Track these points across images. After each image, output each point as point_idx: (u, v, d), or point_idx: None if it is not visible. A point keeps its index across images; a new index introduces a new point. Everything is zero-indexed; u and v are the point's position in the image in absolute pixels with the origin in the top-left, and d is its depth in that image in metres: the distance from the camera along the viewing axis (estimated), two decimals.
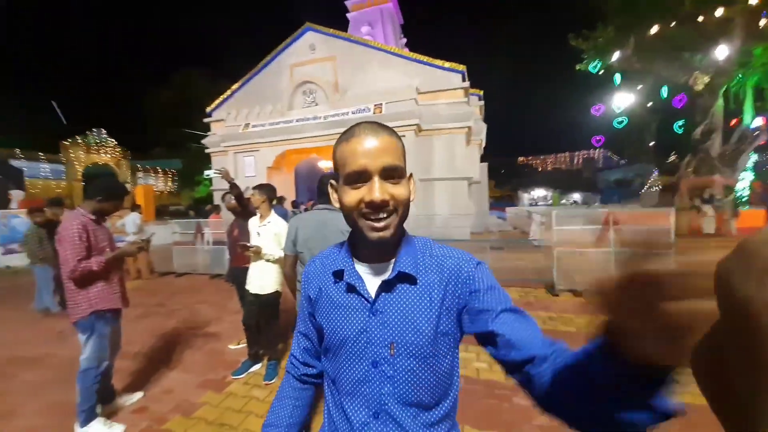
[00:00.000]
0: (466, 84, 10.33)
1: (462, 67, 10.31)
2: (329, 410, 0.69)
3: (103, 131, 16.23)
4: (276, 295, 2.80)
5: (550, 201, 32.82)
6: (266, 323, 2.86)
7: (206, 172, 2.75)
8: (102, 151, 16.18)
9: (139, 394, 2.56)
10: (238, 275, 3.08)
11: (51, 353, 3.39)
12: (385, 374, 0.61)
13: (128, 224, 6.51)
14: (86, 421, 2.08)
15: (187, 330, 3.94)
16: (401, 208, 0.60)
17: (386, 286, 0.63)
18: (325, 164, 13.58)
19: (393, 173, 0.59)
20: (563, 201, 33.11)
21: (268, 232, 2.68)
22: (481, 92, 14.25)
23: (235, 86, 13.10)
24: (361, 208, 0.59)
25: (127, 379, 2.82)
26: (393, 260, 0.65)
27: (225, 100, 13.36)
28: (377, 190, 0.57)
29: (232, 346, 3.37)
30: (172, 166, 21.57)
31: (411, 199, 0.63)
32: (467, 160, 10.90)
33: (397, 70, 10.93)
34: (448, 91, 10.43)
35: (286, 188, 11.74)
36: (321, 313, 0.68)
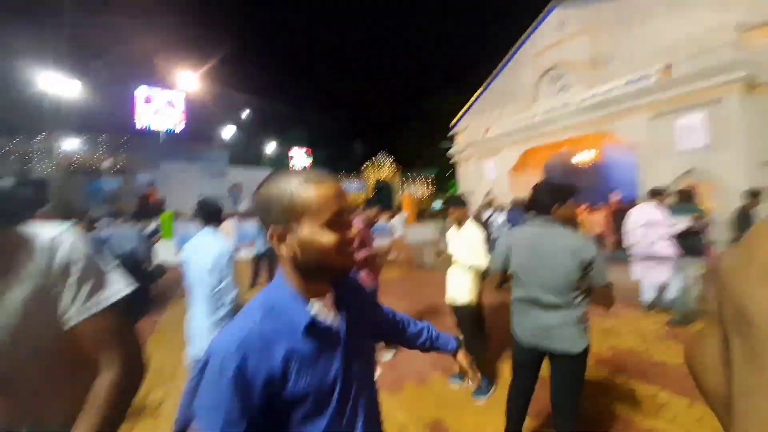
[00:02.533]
0: None
1: None
2: None
3: (383, 152, 23.39)
4: (471, 307, 2.69)
5: None
6: (470, 337, 2.75)
7: (433, 205, 3.38)
8: (384, 169, 23.03)
9: (390, 354, 3.43)
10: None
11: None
12: (366, 384, 0.77)
13: (396, 225, 8.84)
14: None
15: (432, 315, 4.70)
16: None
17: (346, 308, 0.77)
18: (580, 157, 11.76)
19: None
20: None
21: (464, 240, 2.72)
22: None
23: (476, 94, 14.16)
24: (342, 246, 0.68)
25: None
26: (331, 291, 0.77)
27: (468, 110, 14.75)
28: (355, 228, 0.71)
29: None
30: (430, 173, 26.65)
31: None
32: None
33: (695, 7, 7.66)
34: None
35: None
36: (300, 379, 0.65)
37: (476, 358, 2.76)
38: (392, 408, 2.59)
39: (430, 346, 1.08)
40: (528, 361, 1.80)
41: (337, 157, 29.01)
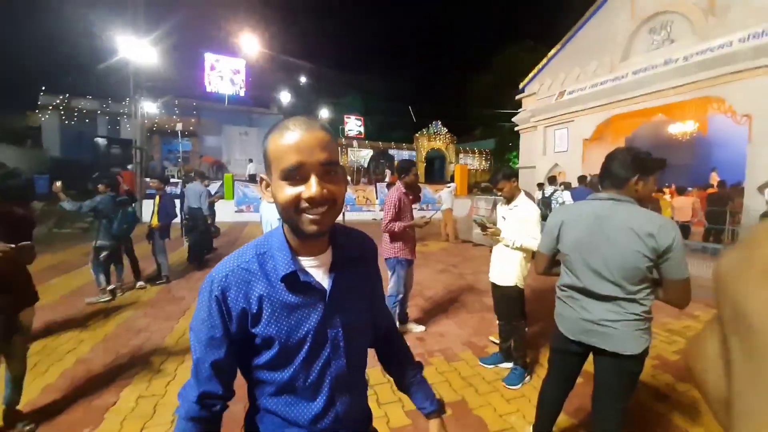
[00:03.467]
0: None
1: None
2: (265, 414, 0.73)
3: (438, 122, 22.12)
4: (515, 290, 2.48)
5: None
6: (507, 321, 2.59)
7: (474, 218, 3.17)
8: (437, 138, 21.98)
9: (421, 328, 3.41)
10: None
11: None
12: (342, 353, 0.73)
13: (444, 197, 8.51)
14: None
15: (470, 293, 4.56)
16: (339, 202, 0.67)
17: (339, 275, 0.73)
18: (680, 128, 10.00)
19: (330, 169, 0.64)
20: None
21: (514, 217, 2.46)
22: None
23: (553, 50, 12.40)
24: (299, 203, 0.63)
25: (418, 314, 3.76)
26: (329, 249, 0.74)
27: (540, 70, 13.04)
28: (316, 186, 0.62)
29: (491, 338, 3.26)
30: (486, 146, 25.02)
31: (345, 190, 0.70)
32: None
33: None
34: None
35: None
36: (272, 322, 0.67)
37: (514, 344, 2.61)
38: None
39: (406, 383, 0.91)
40: (570, 354, 1.61)
41: (390, 125, 28.55)
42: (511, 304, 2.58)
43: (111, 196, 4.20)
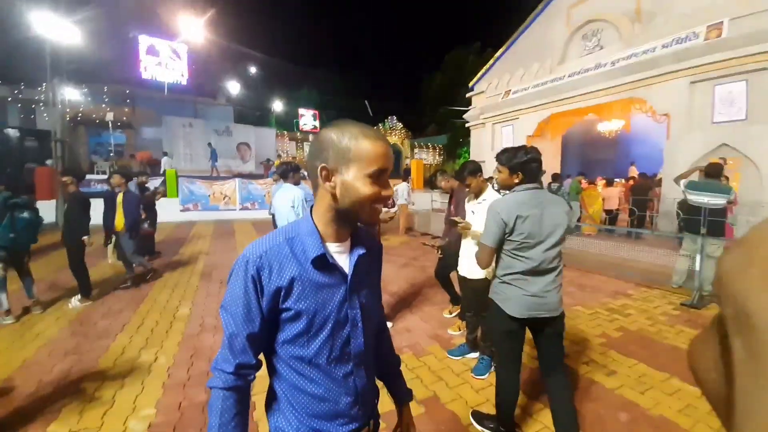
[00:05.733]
0: None
1: None
2: (292, 390, 0.78)
3: (394, 118, 22.21)
4: (484, 282, 2.49)
5: None
6: (476, 313, 2.63)
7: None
8: (393, 134, 22.07)
9: (388, 324, 3.32)
10: (446, 251, 3.31)
11: None
12: (360, 332, 0.81)
13: (399, 192, 8.48)
14: None
15: (433, 286, 4.56)
16: None
17: (357, 261, 0.80)
18: (607, 126, 10.99)
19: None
20: None
21: (482, 210, 2.43)
22: None
23: (498, 52, 12.95)
24: (376, 199, 0.75)
25: (386, 310, 3.75)
26: (350, 238, 0.83)
27: (487, 70, 13.59)
28: (391, 189, 0.79)
29: (445, 314, 3.60)
30: (439, 141, 25.66)
31: None
32: None
33: None
34: None
35: (550, 159, 10.56)
36: (302, 299, 0.74)
37: (481, 335, 2.62)
38: None
39: (386, 372, 1.02)
40: (520, 334, 1.79)
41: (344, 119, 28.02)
42: (479, 297, 2.57)
43: (3, 197, 3.49)
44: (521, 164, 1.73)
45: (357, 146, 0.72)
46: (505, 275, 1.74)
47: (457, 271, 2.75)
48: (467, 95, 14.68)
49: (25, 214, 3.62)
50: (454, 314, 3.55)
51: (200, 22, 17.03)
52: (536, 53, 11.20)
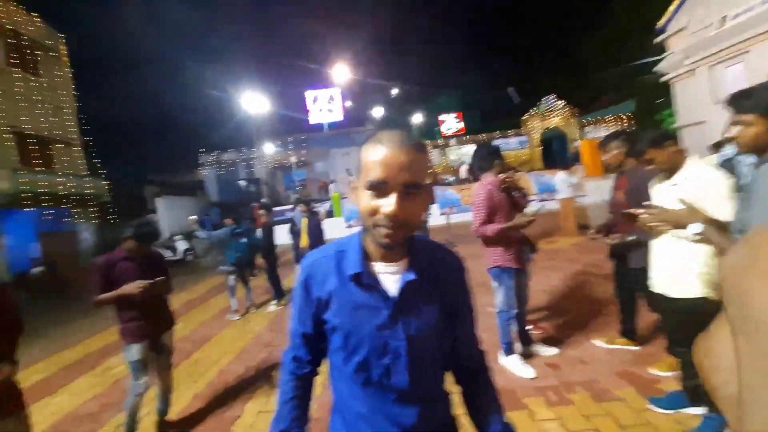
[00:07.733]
0: None
1: None
2: (342, 398, 0.80)
3: (551, 97, 19.47)
4: (701, 302, 1.66)
5: None
6: (691, 349, 1.70)
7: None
8: (553, 115, 19.33)
9: (553, 350, 2.72)
10: (619, 252, 2.53)
11: None
12: (404, 367, 0.74)
13: (558, 184, 7.10)
14: (506, 353, 2.61)
15: (600, 305, 3.45)
16: (413, 223, 0.69)
17: (410, 286, 0.74)
18: None
19: (411, 191, 0.66)
20: None
21: (683, 195, 1.52)
22: None
23: None
24: (375, 215, 0.67)
25: (548, 332, 3.07)
26: (406, 259, 0.76)
27: (683, 1, 10.16)
28: (393, 205, 0.65)
29: (652, 370, 2.35)
30: (624, 110, 20.50)
31: (426, 210, 0.78)
32: None
33: None
34: None
35: None
36: (338, 315, 0.75)
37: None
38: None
39: (482, 420, 0.82)
40: None
41: (491, 114, 26.68)
42: (694, 324, 1.73)
43: (231, 228, 4.96)
44: None
45: (361, 154, 0.70)
46: None
47: (648, 287, 1.97)
48: (655, 40, 11.27)
49: (244, 240, 5.11)
50: (615, 346, 2.70)
51: (345, 66, 20.37)
52: None
